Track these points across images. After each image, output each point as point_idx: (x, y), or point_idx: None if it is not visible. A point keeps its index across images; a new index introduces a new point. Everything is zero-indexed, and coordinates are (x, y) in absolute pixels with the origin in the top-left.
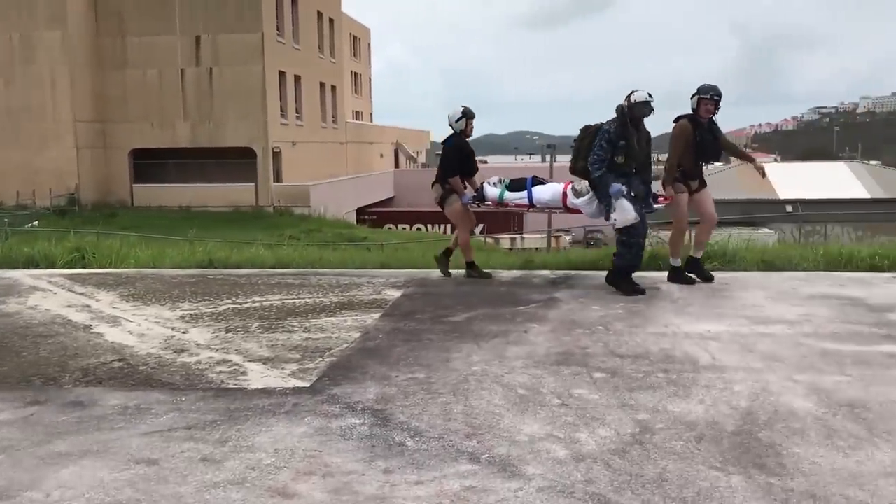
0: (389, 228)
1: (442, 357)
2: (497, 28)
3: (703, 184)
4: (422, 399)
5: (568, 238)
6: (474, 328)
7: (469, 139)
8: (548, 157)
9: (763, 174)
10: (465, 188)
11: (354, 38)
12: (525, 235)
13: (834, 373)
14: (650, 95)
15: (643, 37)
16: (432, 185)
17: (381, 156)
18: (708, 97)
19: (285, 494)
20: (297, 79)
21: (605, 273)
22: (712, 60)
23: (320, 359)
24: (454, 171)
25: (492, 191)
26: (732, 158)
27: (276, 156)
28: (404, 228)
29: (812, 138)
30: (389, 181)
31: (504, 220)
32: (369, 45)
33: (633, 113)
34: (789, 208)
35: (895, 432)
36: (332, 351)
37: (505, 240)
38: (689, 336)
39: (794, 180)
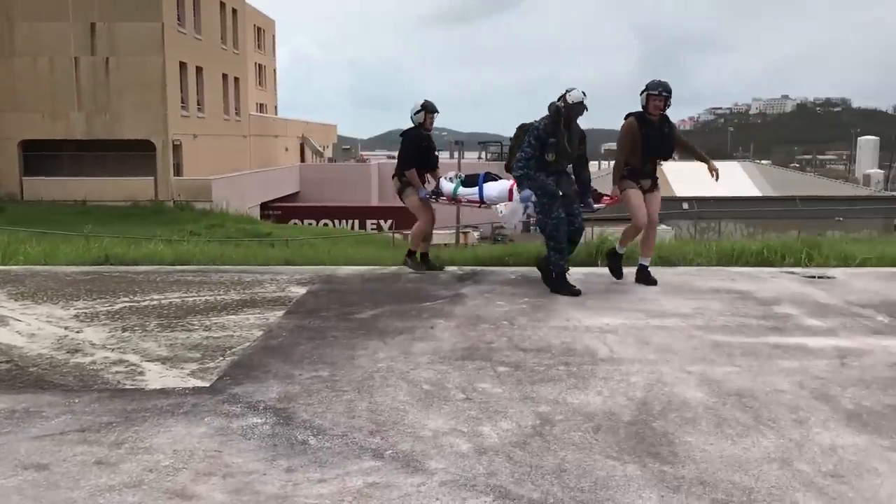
0: (295, 224)
1: (347, 354)
2: (406, 24)
3: (654, 185)
4: (326, 397)
5: (476, 234)
6: (380, 325)
7: (429, 132)
8: (456, 154)
9: (716, 177)
10: (427, 182)
11: (259, 29)
12: (434, 231)
13: (724, 364)
14: (584, 94)
15: (550, 36)
16: (392, 177)
17: (287, 150)
18: (656, 93)
19: (184, 496)
20: (199, 70)
21: (511, 268)
22: (616, 61)
23: (221, 358)
24: (409, 165)
25: (447, 186)
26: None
27: (177, 149)
28: (310, 224)
29: (708, 138)
30: (295, 176)
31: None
32: (274, 37)
33: (570, 113)
34: (685, 206)
35: (779, 420)
36: (234, 350)
37: None
38: (589, 329)
39: (690, 179)
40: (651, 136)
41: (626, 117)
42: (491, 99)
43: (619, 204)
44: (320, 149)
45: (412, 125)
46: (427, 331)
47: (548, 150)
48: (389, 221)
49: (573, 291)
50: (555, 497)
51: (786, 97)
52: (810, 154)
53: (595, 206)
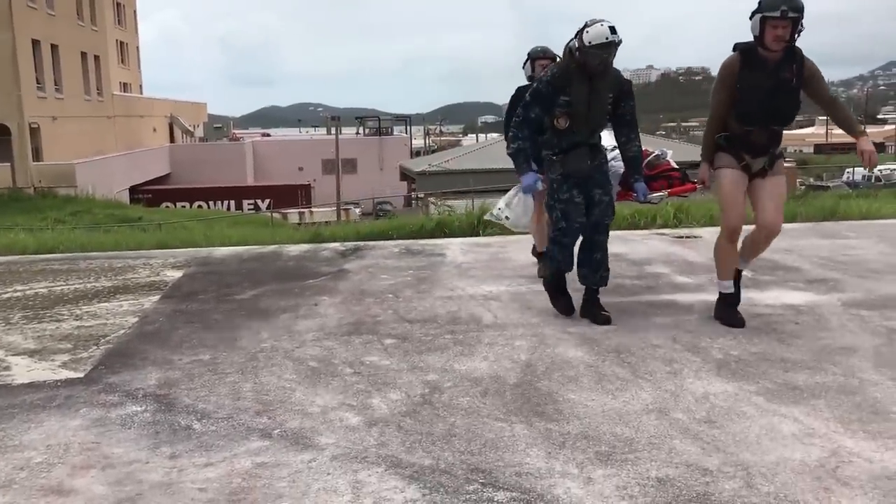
0: (167, 207)
1: (228, 336)
2: None
3: (773, 163)
4: (208, 380)
5: (357, 210)
6: (262, 305)
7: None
8: (333, 130)
9: (870, 164)
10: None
11: (118, 4)
12: (314, 209)
13: (602, 322)
14: (613, 31)
15: (426, 9)
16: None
17: (155, 130)
18: (777, 15)
19: (61, 492)
20: (55, 48)
21: (394, 242)
22: (493, 35)
23: (95, 347)
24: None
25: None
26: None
27: (35, 132)
28: (183, 207)
29: None
30: (164, 157)
31: (291, 193)
32: (135, 12)
33: (587, 60)
34: None
35: (655, 373)
36: (108, 338)
37: (293, 214)
38: (474, 297)
39: None
40: (759, 83)
41: (734, 49)
42: (368, 73)
43: (708, 191)
44: (190, 128)
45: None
46: (311, 308)
47: (557, 112)
48: (267, 201)
49: (562, 307)
50: (446, 462)
51: (651, 67)
52: (675, 122)
53: (653, 194)
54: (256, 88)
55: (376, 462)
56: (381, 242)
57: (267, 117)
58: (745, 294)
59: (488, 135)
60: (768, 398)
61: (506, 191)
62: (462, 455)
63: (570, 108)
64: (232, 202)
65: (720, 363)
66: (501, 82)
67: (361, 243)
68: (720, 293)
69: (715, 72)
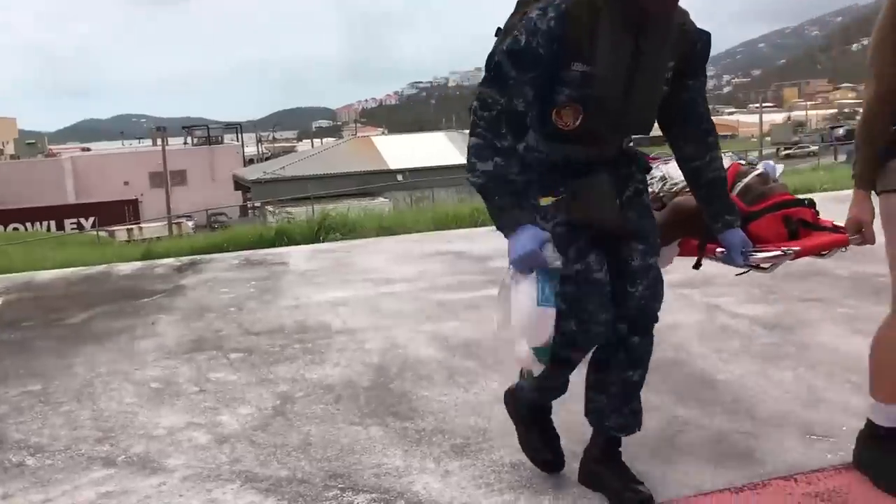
0: None
1: (61, 364)
2: (97, 4)
3: None
4: (40, 412)
5: (190, 223)
6: (94, 328)
7: None
8: (159, 141)
9: None
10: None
11: None
12: (143, 225)
13: (450, 319)
14: None
15: (254, 15)
16: None
17: None
18: None
19: None
20: None
21: (232, 254)
22: (321, 37)
23: None
24: None
25: None
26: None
27: None
28: None
29: (413, 111)
30: None
31: (117, 210)
32: None
33: None
34: (400, 177)
35: (503, 362)
36: None
37: (121, 231)
38: (321, 305)
39: (401, 151)
40: None
41: None
42: (194, 81)
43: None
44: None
45: None
46: (148, 328)
47: (562, 97)
48: (91, 219)
49: (543, 456)
50: (303, 471)
51: (479, 69)
52: None
53: (763, 254)
54: (73, 100)
55: (230, 479)
56: (219, 255)
57: (86, 131)
58: None
59: (323, 139)
60: None
61: (348, 196)
62: (319, 462)
63: (589, 89)
64: (52, 222)
65: None
66: (333, 85)
67: (198, 257)
68: (873, 425)
69: None
